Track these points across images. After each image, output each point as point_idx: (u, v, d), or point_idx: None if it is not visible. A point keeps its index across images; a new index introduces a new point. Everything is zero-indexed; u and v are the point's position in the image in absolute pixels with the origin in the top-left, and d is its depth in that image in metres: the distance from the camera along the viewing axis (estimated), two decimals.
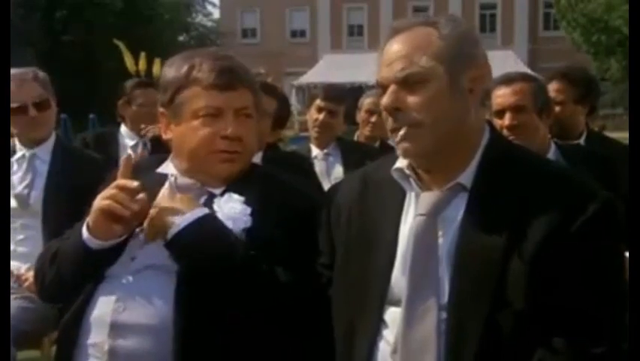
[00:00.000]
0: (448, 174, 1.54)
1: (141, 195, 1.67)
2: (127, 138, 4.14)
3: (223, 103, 1.75)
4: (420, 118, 1.50)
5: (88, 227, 1.70)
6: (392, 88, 1.52)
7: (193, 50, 1.90)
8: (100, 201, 1.67)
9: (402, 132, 1.52)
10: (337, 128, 4.03)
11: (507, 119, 2.62)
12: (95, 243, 1.69)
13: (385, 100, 1.53)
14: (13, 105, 2.86)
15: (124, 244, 1.74)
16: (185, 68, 1.77)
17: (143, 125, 4.05)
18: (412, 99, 1.50)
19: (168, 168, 1.86)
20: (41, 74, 3.05)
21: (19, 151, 3.01)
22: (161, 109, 1.84)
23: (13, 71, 2.92)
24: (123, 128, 4.18)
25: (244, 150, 1.79)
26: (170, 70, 1.82)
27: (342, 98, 4.09)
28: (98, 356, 1.68)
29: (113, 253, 1.73)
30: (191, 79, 1.76)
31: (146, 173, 1.85)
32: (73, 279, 1.76)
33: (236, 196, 1.72)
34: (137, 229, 1.75)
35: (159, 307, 1.66)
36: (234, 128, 1.75)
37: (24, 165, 2.98)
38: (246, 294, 1.66)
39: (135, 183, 1.66)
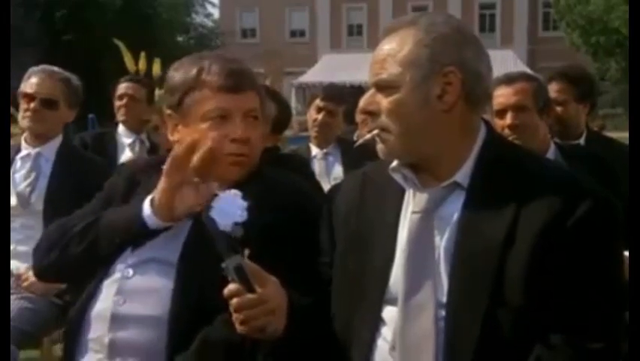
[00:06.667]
0: (444, 172, 1.54)
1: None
2: (124, 137, 4.15)
3: (232, 105, 1.76)
4: (387, 123, 1.54)
5: (152, 205, 1.71)
6: (370, 91, 1.57)
7: (199, 53, 1.90)
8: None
9: (376, 134, 1.57)
10: (337, 128, 4.04)
11: (508, 119, 2.61)
12: (155, 222, 1.71)
13: (361, 102, 1.57)
14: (26, 90, 2.97)
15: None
16: (194, 71, 1.77)
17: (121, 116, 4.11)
18: (383, 104, 1.54)
19: None
20: (75, 81, 3.12)
21: (25, 150, 3.01)
22: (167, 111, 1.83)
23: (56, 68, 3.10)
24: (121, 128, 4.19)
25: (251, 152, 1.80)
26: (177, 72, 1.82)
27: (342, 98, 4.09)
28: (98, 350, 1.69)
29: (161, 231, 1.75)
30: (200, 81, 1.76)
31: (148, 173, 1.85)
32: (106, 254, 1.75)
33: (234, 191, 1.72)
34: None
35: (159, 299, 1.67)
36: (243, 131, 1.76)
37: (28, 164, 2.98)
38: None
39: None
